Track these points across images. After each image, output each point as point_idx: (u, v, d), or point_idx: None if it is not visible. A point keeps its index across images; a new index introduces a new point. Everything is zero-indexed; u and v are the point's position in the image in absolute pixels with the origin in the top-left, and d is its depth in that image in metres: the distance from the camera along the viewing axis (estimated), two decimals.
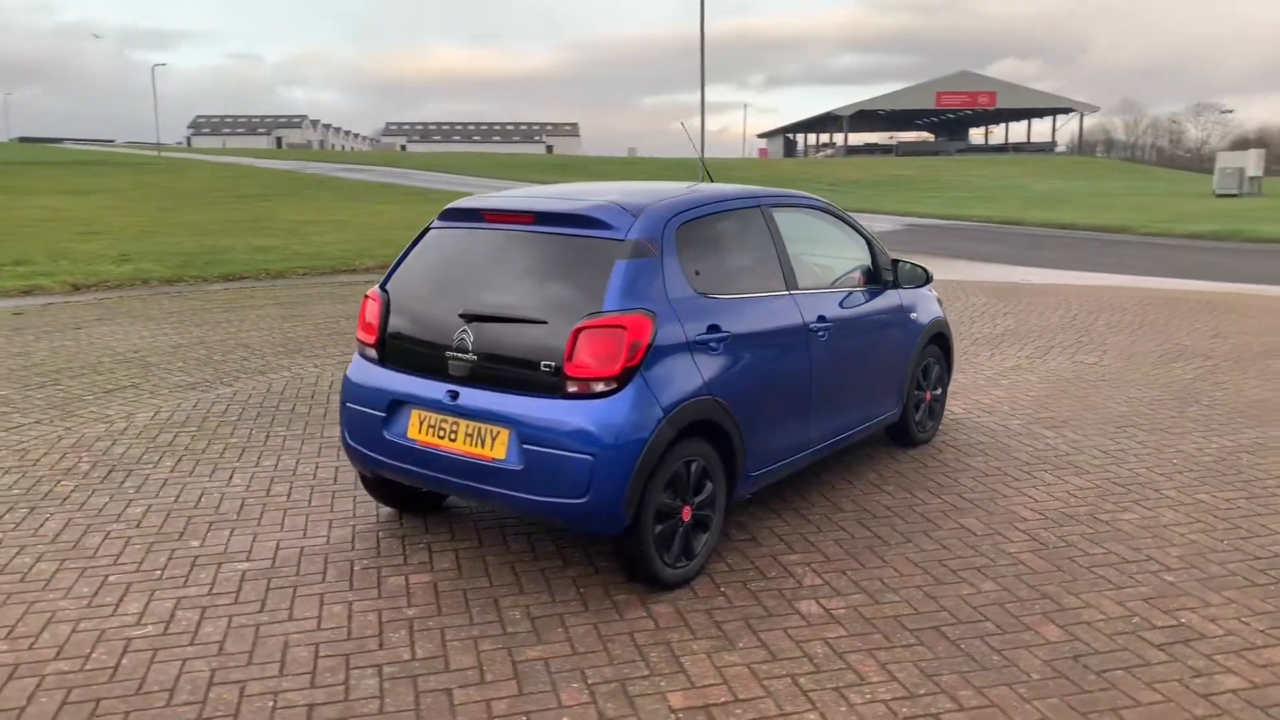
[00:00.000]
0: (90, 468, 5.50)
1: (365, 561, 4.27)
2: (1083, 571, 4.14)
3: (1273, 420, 6.47)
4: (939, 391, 6.07)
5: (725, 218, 4.48)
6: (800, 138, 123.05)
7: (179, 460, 5.65)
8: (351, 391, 4.44)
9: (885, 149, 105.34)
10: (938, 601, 3.87)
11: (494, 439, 3.90)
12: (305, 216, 24.19)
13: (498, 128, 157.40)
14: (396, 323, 4.33)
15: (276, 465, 5.56)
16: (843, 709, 3.11)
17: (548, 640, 3.57)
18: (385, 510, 4.85)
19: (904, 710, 3.10)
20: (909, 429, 5.78)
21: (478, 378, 3.98)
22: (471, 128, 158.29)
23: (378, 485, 4.72)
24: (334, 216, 24.45)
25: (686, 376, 3.92)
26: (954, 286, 13.14)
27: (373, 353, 4.40)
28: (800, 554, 4.33)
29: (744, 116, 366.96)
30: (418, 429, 4.13)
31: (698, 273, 4.15)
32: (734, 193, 4.65)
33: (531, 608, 3.83)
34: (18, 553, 4.34)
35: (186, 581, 4.06)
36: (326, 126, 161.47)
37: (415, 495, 4.78)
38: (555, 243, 4.06)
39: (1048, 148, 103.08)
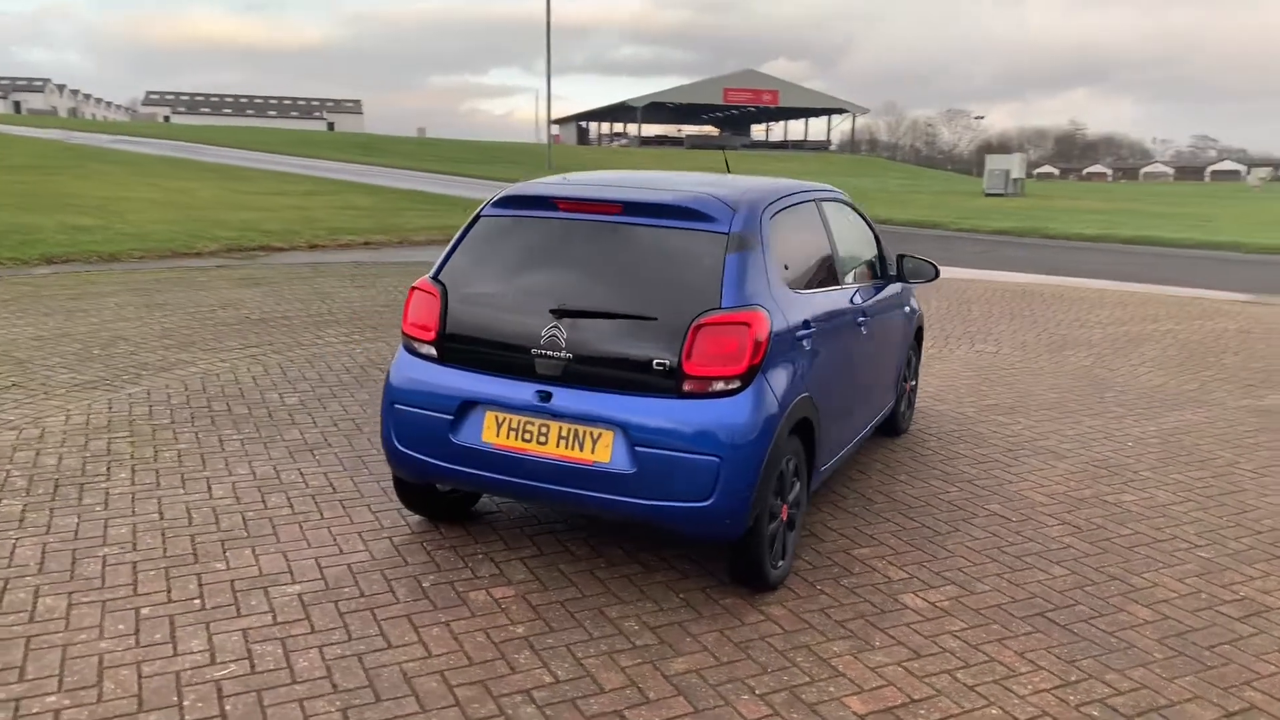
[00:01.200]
0: (28, 483, 4.75)
1: (431, 577, 3.92)
2: (1127, 552, 4.41)
3: (1181, 405, 7.15)
4: (914, 382, 6.30)
5: (797, 211, 4.43)
6: (594, 126, 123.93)
7: (134, 471, 4.97)
8: (404, 393, 4.06)
9: (675, 141, 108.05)
10: (1024, 588, 4.01)
11: (595, 441, 3.68)
12: (108, 193, 21.88)
13: (273, 102, 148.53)
14: (461, 318, 3.99)
15: (254, 474, 5.00)
16: (1016, 702, 3.16)
17: (684, 651, 3.41)
18: (414, 519, 4.48)
19: (1072, 698, 3.19)
20: (897, 419, 5.95)
21: (573, 377, 3.73)
22: (244, 100, 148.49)
23: (417, 493, 4.36)
24: (141, 194, 22.27)
25: (793, 373, 3.85)
26: None
27: (430, 350, 4.03)
28: (867, 548, 4.36)
29: (536, 102, 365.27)
30: (495, 433, 3.83)
31: (786, 266, 4.08)
32: (794, 185, 4.59)
33: (643, 617, 3.65)
34: (3, 586, 3.69)
35: (239, 610, 3.59)
36: (75, 93, 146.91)
37: (448, 503, 4.45)
38: (651, 235, 3.86)
39: (824, 146, 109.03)
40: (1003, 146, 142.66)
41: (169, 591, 3.71)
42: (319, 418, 5.99)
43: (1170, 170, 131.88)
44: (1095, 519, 4.79)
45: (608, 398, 3.68)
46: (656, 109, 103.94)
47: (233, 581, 3.81)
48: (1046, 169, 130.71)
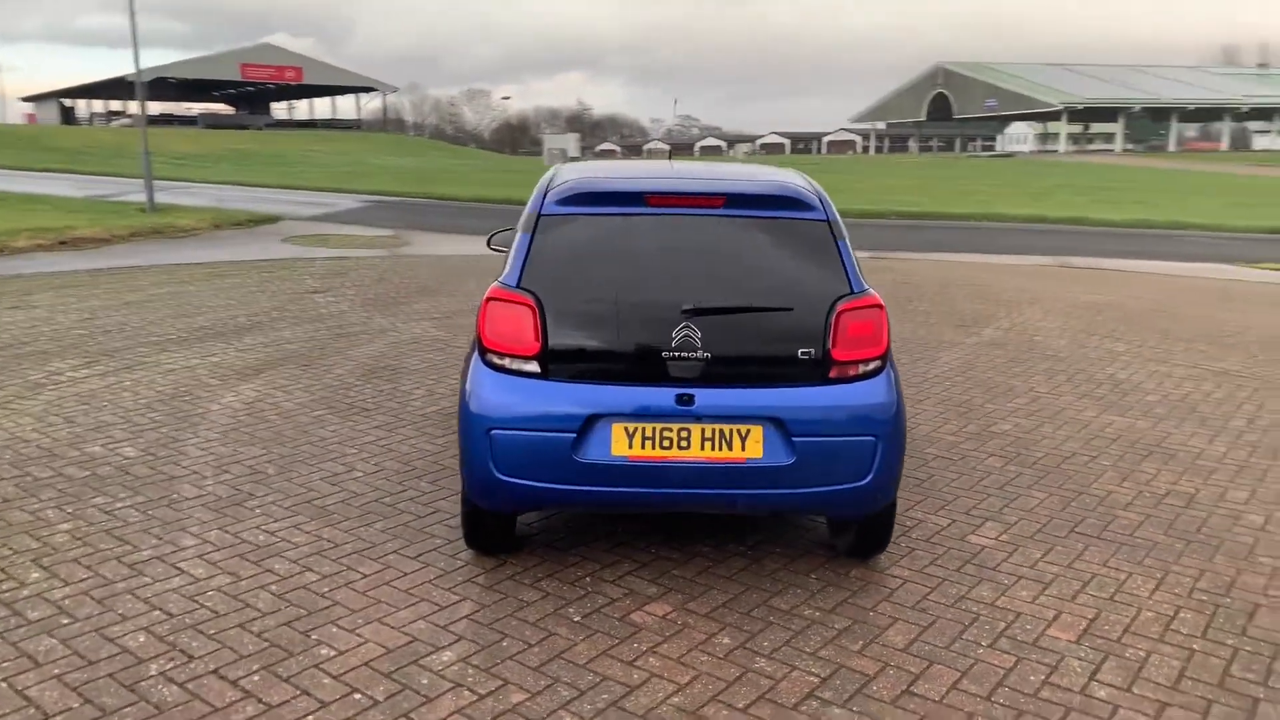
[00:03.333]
0: None
1: (572, 610, 3.61)
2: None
3: (1131, 368, 8.44)
4: None
5: None
6: (83, 104, 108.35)
7: (79, 555, 3.83)
8: (505, 417, 3.65)
9: (186, 120, 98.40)
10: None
11: (744, 439, 3.64)
12: None
13: None
14: (567, 328, 3.67)
15: (238, 538, 4.12)
16: (1190, 604, 3.78)
17: (881, 624, 3.56)
18: (485, 563, 4.01)
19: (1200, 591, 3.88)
20: None
21: (714, 377, 3.64)
22: None
23: (497, 531, 3.96)
24: None
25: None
26: None
27: (532, 366, 3.66)
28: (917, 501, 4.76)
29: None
30: (628, 444, 3.62)
31: None
32: None
33: (807, 604, 3.71)
34: None
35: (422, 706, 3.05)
36: None
37: (509, 535, 4.07)
38: (757, 226, 3.85)
39: (355, 125, 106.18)
40: (521, 127, 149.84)
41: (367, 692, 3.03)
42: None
43: (667, 147, 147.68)
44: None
45: (755, 393, 3.66)
46: (160, 85, 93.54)
47: (360, 665, 3.20)
48: (605, 147, 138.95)
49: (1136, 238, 19.28)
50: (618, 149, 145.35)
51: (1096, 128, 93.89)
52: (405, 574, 3.88)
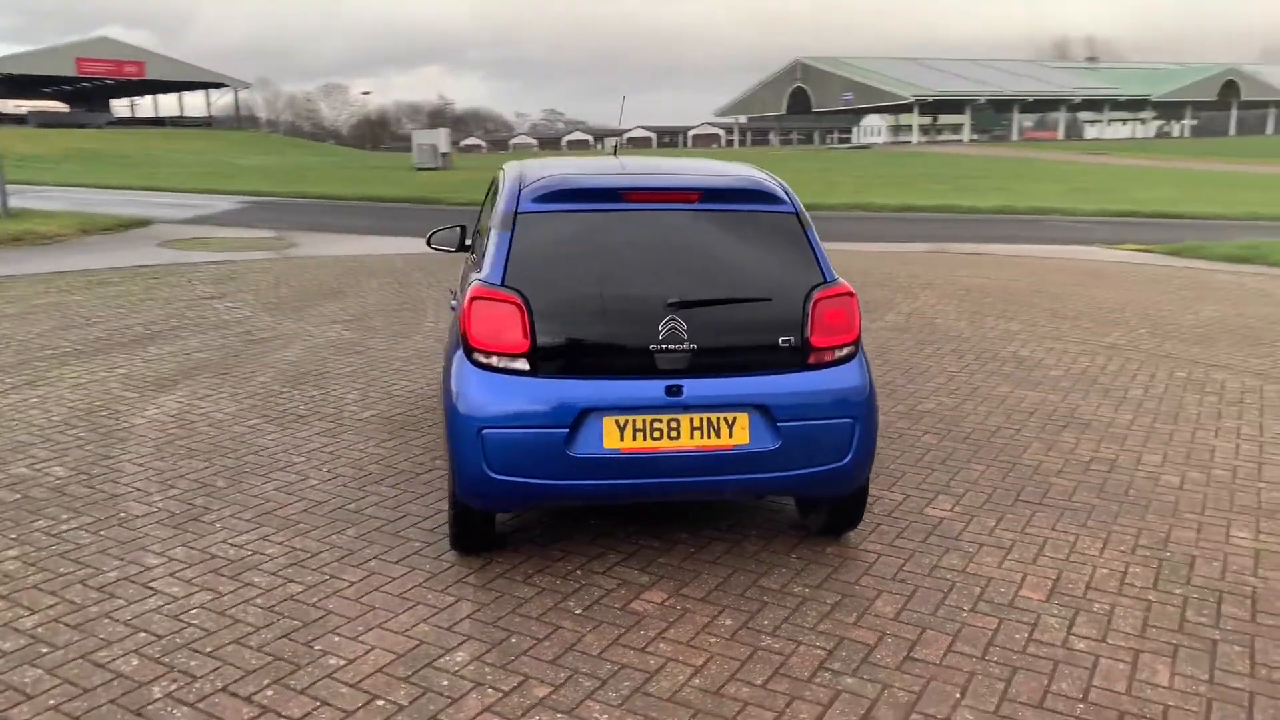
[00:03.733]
0: None
1: (571, 603, 3.65)
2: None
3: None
4: None
5: None
6: None
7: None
8: (497, 416, 3.65)
9: (16, 119, 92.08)
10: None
11: (731, 426, 3.76)
12: None
13: None
14: (554, 325, 3.69)
15: (207, 554, 3.96)
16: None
17: (869, 596, 3.74)
18: (472, 563, 3.99)
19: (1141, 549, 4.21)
20: None
21: (700, 367, 3.74)
22: None
23: (483, 530, 3.96)
24: None
25: None
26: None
27: (521, 364, 3.68)
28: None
29: None
30: (619, 437, 3.68)
31: None
32: None
33: (795, 582, 3.86)
34: None
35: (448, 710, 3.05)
36: None
37: (491, 533, 4.08)
38: (729, 219, 3.96)
39: (206, 122, 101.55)
40: (381, 122, 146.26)
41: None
42: None
43: (534, 141, 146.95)
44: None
45: (740, 381, 3.77)
46: None
47: (374, 672, 3.17)
48: (469, 142, 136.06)
49: (1002, 223, 20.36)
50: (483, 144, 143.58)
51: (944, 119, 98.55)
52: (393, 579, 3.83)
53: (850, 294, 3.95)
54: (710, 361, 3.74)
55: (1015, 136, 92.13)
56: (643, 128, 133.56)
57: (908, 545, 4.21)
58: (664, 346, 3.70)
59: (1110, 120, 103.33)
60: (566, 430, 3.65)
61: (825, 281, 3.92)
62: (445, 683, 3.12)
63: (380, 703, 3.00)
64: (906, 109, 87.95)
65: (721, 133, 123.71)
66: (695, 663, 3.26)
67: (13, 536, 4.16)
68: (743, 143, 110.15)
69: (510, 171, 4.35)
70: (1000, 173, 39.30)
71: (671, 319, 3.71)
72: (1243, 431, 5.81)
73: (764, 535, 4.29)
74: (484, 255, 3.96)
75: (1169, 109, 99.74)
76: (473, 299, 3.74)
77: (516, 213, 3.89)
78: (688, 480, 3.77)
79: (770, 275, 3.91)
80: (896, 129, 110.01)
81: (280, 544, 4.13)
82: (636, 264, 3.84)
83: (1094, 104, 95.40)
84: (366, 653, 3.28)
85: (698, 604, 3.67)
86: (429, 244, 5.75)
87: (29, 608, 3.55)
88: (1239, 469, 5.16)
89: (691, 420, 3.72)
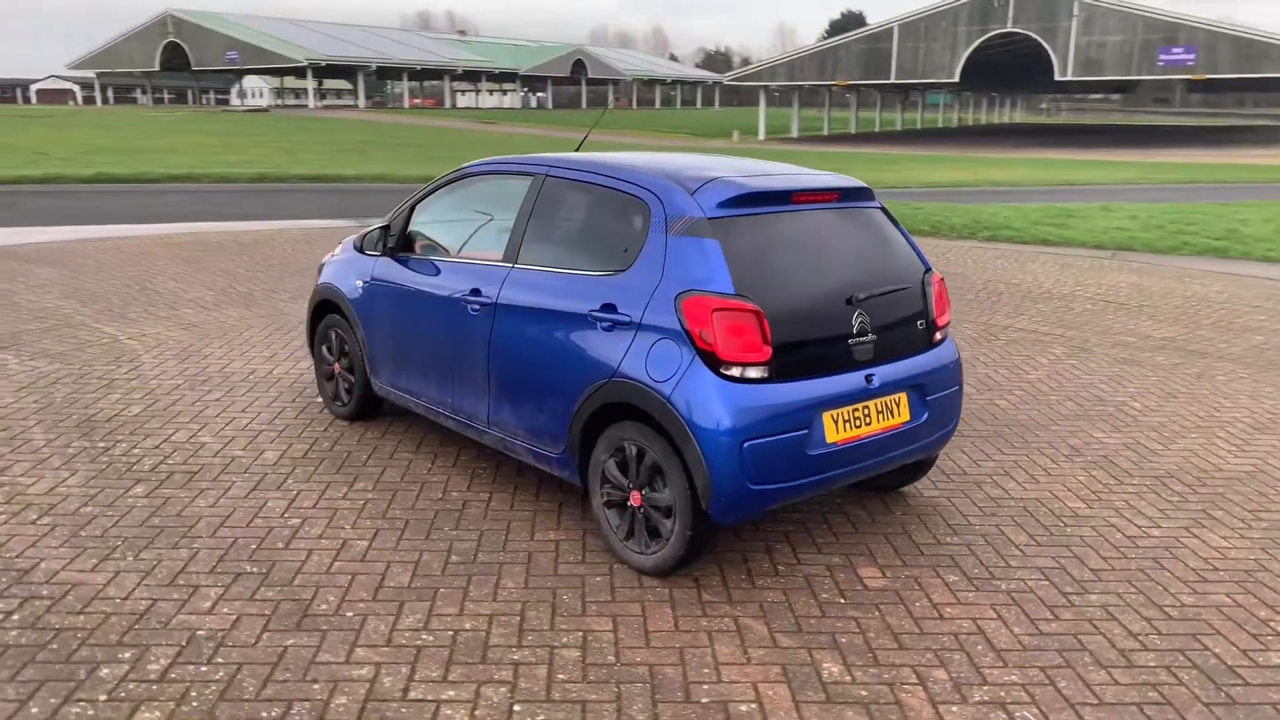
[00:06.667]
0: None
1: (548, 563, 3.75)
2: None
3: None
4: None
5: None
6: None
7: None
8: (755, 425, 3.60)
9: None
10: None
11: (898, 405, 4.13)
12: None
13: None
14: (782, 329, 3.72)
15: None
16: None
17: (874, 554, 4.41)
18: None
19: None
20: None
21: (881, 355, 4.04)
22: None
23: None
24: None
25: None
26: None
27: (760, 371, 3.66)
28: None
29: None
30: (834, 430, 3.87)
31: None
32: None
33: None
34: None
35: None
36: None
37: None
38: (858, 216, 4.27)
39: None
40: None
41: None
42: None
43: None
44: None
45: (902, 364, 4.16)
46: None
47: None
48: None
49: None
50: None
51: (331, 83, 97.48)
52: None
53: (941, 278, 4.50)
54: (885, 349, 4.07)
55: (405, 104, 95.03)
56: None
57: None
58: (858, 340, 3.93)
59: (481, 91, 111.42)
60: (806, 431, 3.72)
61: (928, 268, 4.42)
62: None
63: None
64: (299, 72, 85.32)
65: (76, 88, 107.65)
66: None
67: None
68: (105, 101, 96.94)
69: (642, 172, 4.11)
70: (424, 141, 39.98)
71: (860, 313, 3.95)
72: None
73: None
74: (644, 263, 3.82)
75: (533, 82, 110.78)
76: (715, 310, 3.57)
77: (706, 217, 3.75)
78: (875, 460, 4.07)
79: (898, 264, 4.31)
80: (280, 91, 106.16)
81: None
82: (819, 262, 4.00)
83: (472, 75, 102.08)
84: None
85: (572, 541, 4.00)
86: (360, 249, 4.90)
87: None
88: None
89: (876, 405, 4.02)
